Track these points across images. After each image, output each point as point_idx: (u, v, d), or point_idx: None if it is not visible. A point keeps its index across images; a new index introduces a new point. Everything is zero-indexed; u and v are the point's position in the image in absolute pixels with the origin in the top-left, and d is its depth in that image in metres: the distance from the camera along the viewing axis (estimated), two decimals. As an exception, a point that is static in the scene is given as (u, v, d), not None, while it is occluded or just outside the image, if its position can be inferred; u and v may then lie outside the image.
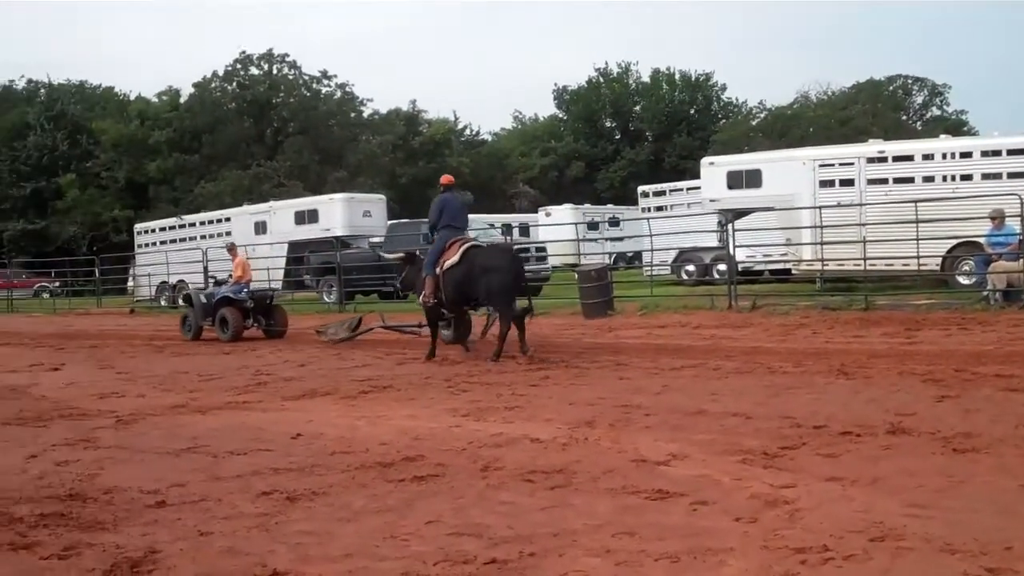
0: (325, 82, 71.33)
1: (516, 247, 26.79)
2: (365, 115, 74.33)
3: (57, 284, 50.42)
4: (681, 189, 34.78)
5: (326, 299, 30.88)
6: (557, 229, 39.10)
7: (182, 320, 22.97)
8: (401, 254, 18.45)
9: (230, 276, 22.70)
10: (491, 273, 14.54)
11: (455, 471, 7.14)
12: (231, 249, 24.27)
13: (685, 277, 29.75)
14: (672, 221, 28.92)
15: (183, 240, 38.93)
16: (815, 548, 5.01)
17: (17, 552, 5.58)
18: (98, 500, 6.68)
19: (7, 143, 70.52)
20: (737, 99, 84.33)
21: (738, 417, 8.89)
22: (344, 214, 33.80)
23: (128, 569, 5.17)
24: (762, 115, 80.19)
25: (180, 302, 25.10)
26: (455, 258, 14.85)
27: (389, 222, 34.05)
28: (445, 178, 16.90)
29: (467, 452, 7.80)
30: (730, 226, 21.62)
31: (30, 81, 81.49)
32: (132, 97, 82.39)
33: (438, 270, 15.13)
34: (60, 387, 13.83)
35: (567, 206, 48.24)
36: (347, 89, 72.13)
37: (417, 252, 18.00)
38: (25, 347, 21.81)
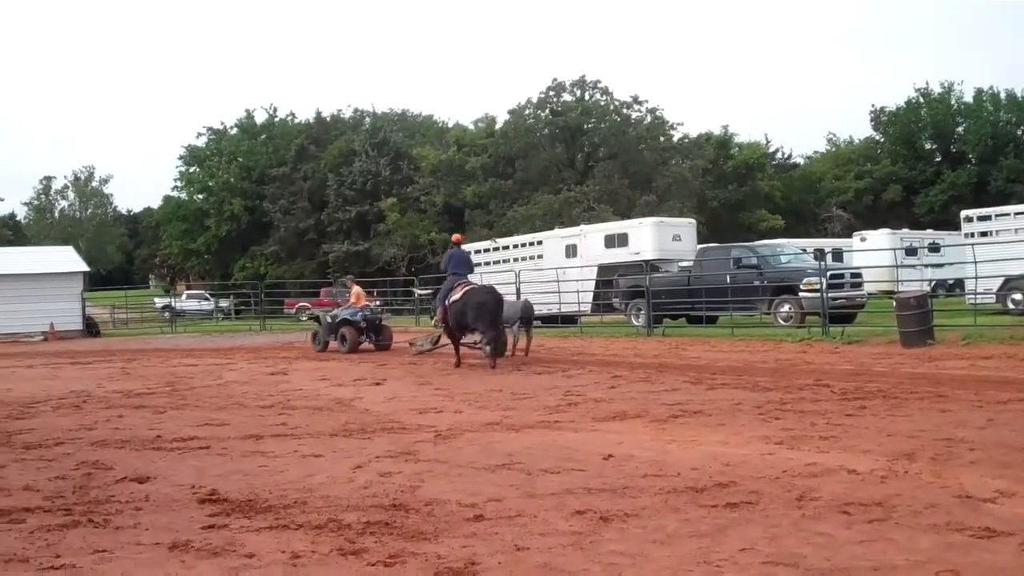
0: (636, 107, 71.70)
1: (831, 272, 26.14)
2: (675, 139, 74.23)
3: (377, 303, 52.65)
4: (1008, 214, 32.87)
5: (634, 322, 30.93)
6: (873, 254, 37.89)
7: (312, 335, 28.61)
8: (429, 291, 23.92)
9: (350, 304, 27.74)
10: (477, 306, 20.04)
11: (769, 499, 7.01)
12: (348, 283, 30.41)
13: (1011, 306, 28.10)
14: (998, 247, 27.39)
15: (496, 262, 39.91)
16: None
17: (346, 557, 5.85)
18: (420, 511, 6.93)
19: (335, 169, 74.32)
20: (1071, 119, 79.36)
21: (1074, 455, 8.35)
22: (654, 238, 33.82)
23: (449, 579, 5.34)
24: (1099, 135, 75.32)
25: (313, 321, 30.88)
26: (457, 295, 20.58)
27: (699, 246, 33.87)
28: (455, 237, 24.61)
29: (781, 481, 7.64)
30: (1063, 253, 20.30)
31: (356, 110, 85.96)
32: (450, 124, 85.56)
33: (447, 302, 20.86)
34: (382, 401, 14.44)
35: (883, 231, 46.57)
36: (657, 114, 72.26)
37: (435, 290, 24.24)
38: (350, 362, 22.88)
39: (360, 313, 26.97)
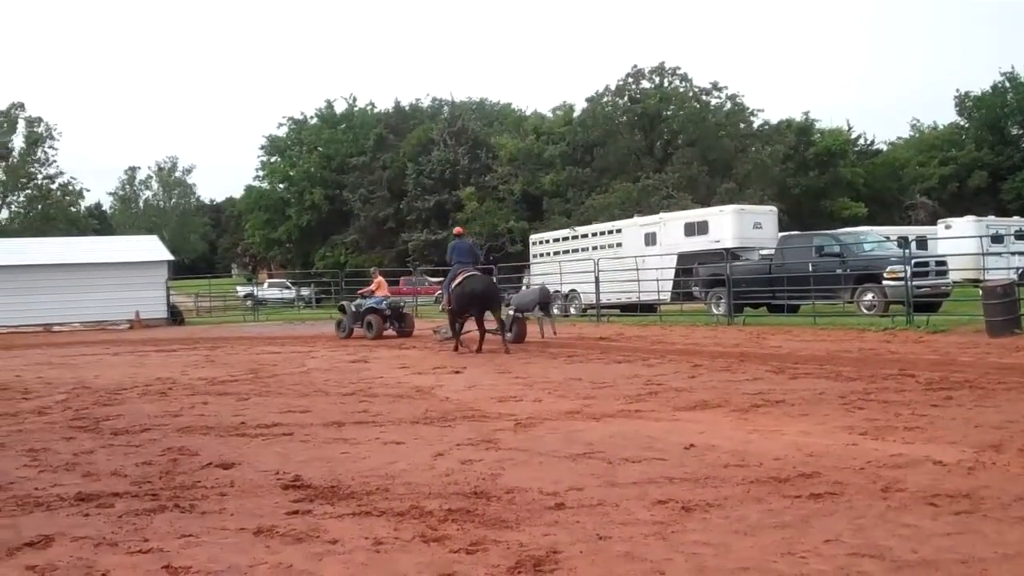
0: (715, 93, 71.32)
1: (915, 260, 25.72)
2: (755, 126, 73.67)
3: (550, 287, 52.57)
4: (1098, 200, 32.14)
5: (714, 311, 30.74)
6: (958, 242, 37.22)
7: (337, 324, 30.62)
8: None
9: (371, 292, 30.05)
10: (472, 292, 21.67)
11: (853, 490, 6.92)
12: (373, 273, 32.24)
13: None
14: (1087, 234, 26.77)
15: (575, 251, 39.81)
16: None
17: (428, 544, 5.88)
18: (501, 499, 6.94)
19: (413, 158, 74.73)
20: None
21: None
22: (734, 226, 33.50)
23: (531, 567, 5.33)
24: None
25: (337, 311, 33.45)
26: (458, 282, 22.08)
27: (780, 234, 33.51)
28: (457, 230, 26.39)
29: (865, 471, 7.53)
30: None
31: (435, 99, 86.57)
32: (528, 113, 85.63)
33: (450, 289, 22.54)
34: (462, 389, 14.48)
35: (969, 218, 45.66)
36: (737, 100, 71.79)
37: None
38: (429, 351, 22.98)
39: (385, 302, 29.32)
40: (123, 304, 43.66)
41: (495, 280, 23.96)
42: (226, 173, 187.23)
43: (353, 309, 29.57)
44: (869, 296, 26.76)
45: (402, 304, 31.19)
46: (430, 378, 16.33)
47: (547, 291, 25.77)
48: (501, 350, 21.50)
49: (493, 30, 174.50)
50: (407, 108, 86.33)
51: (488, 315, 22.46)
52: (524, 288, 35.54)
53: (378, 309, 28.83)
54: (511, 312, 24.41)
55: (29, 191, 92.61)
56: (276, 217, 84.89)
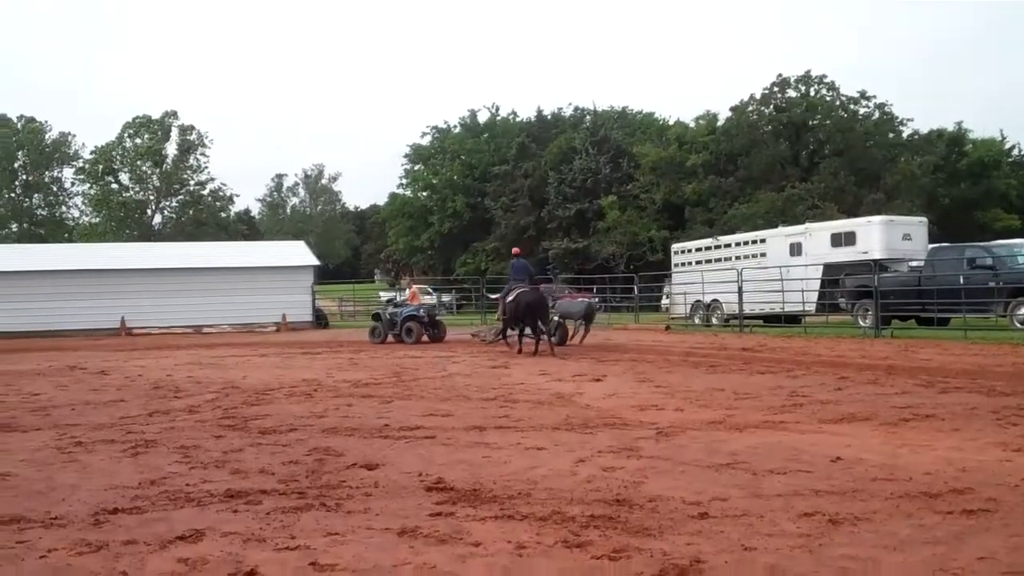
0: (863, 103, 69.99)
1: None
2: (904, 136, 72.08)
3: (596, 300, 52.60)
4: None
5: (861, 323, 30.14)
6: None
7: (371, 331, 33.05)
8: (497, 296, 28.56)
9: (404, 301, 33.56)
10: (526, 305, 24.15)
11: (1008, 507, 6.70)
12: (409, 284, 36.86)
13: None
14: None
15: (718, 260, 39.42)
16: None
17: (571, 550, 5.87)
18: (643, 507, 6.89)
19: (555, 167, 74.87)
20: None
21: None
22: (883, 237, 32.76)
23: (675, 576, 5.29)
24: None
25: (371, 318, 35.91)
26: (511, 296, 24.80)
27: (931, 246, 32.69)
28: (515, 250, 28.89)
29: (1020, 488, 7.29)
30: None
31: (576, 108, 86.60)
32: (671, 122, 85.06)
33: (506, 301, 25.17)
34: (602, 397, 14.42)
35: None
36: (885, 109, 70.34)
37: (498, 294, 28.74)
38: (570, 359, 22.92)
39: (422, 310, 32.42)
40: (271, 307, 44.76)
41: (543, 294, 26.13)
42: (371, 181, 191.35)
43: (388, 317, 32.25)
44: (1023, 310, 25.93)
45: (436, 312, 34.45)
46: (570, 385, 16.31)
47: (593, 307, 28.47)
48: (561, 354, 24.07)
49: (636, 39, 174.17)
50: (549, 117, 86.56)
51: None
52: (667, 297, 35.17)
53: (417, 316, 31.80)
54: (555, 318, 26.57)
55: (181, 197, 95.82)
56: (419, 224, 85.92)
